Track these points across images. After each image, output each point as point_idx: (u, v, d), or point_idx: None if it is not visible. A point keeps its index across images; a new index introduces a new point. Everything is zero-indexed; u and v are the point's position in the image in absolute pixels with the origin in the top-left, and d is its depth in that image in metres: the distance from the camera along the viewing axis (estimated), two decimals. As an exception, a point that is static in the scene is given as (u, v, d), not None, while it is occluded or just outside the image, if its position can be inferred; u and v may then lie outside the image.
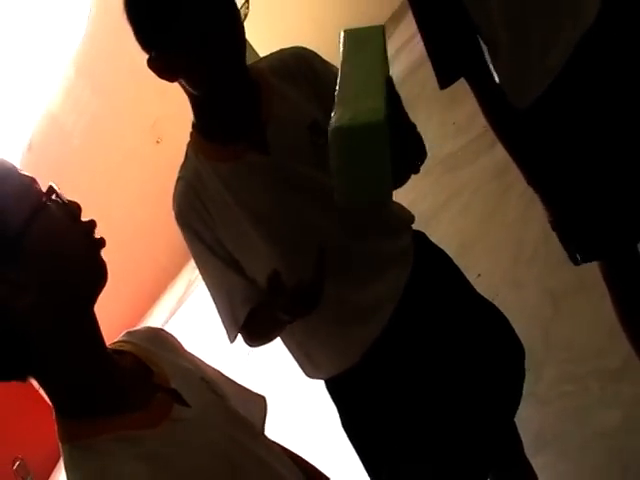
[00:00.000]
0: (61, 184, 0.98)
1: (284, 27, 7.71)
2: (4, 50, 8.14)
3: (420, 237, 1.57)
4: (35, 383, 0.95)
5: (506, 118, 1.76)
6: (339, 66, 1.24)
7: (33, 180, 0.97)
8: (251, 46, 6.25)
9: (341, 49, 1.26)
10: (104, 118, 8.66)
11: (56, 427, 0.94)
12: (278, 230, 1.38)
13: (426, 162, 1.43)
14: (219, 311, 1.45)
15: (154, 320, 8.81)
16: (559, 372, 2.62)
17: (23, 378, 0.94)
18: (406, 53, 6.35)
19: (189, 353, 1.18)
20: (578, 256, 1.84)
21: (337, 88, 1.20)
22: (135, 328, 1.17)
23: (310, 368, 1.54)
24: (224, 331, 1.45)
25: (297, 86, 1.42)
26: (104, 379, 0.95)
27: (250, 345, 1.49)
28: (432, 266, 1.55)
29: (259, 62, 1.46)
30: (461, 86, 1.78)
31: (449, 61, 1.74)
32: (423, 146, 1.42)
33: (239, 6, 1.31)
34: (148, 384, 1.00)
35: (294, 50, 1.47)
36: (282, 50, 1.47)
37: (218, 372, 1.21)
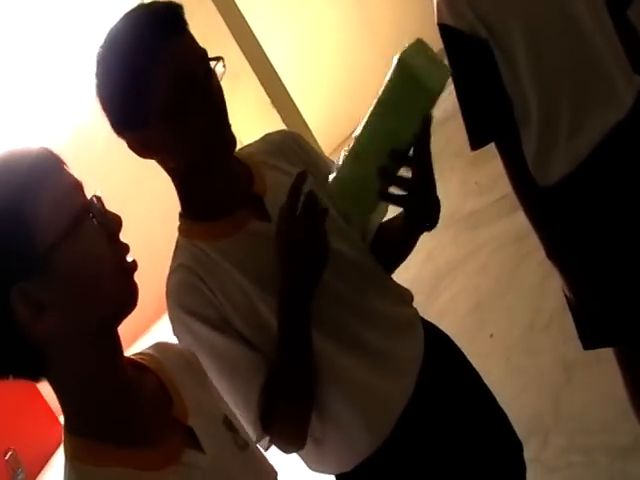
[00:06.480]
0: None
1: (324, 81, 7.78)
2: (31, 55, 8.26)
3: (427, 322, 1.54)
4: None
5: (531, 189, 1.76)
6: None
7: (76, 185, 0.89)
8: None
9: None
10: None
11: (63, 438, 0.90)
12: None
13: (446, 217, 1.41)
14: (237, 394, 1.28)
15: (162, 331, 8.72)
16: (567, 441, 2.57)
17: (36, 380, 0.91)
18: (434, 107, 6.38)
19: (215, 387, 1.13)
20: (582, 342, 1.84)
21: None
22: (170, 342, 1.12)
23: (317, 461, 1.44)
24: (249, 428, 1.26)
25: (286, 158, 1.43)
26: (119, 405, 0.91)
27: (279, 441, 1.31)
28: (443, 355, 1.51)
29: (245, 148, 1.47)
30: (486, 148, 1.79)
31: (483, 124, 1.75)
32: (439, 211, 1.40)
33: (213, 65, 1.27)
34: (165, 416, 0.96)
35: (279, 130, 1.54)
36: (267, 134, 1.51)
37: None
